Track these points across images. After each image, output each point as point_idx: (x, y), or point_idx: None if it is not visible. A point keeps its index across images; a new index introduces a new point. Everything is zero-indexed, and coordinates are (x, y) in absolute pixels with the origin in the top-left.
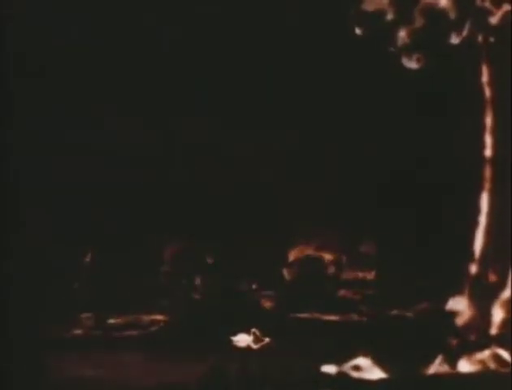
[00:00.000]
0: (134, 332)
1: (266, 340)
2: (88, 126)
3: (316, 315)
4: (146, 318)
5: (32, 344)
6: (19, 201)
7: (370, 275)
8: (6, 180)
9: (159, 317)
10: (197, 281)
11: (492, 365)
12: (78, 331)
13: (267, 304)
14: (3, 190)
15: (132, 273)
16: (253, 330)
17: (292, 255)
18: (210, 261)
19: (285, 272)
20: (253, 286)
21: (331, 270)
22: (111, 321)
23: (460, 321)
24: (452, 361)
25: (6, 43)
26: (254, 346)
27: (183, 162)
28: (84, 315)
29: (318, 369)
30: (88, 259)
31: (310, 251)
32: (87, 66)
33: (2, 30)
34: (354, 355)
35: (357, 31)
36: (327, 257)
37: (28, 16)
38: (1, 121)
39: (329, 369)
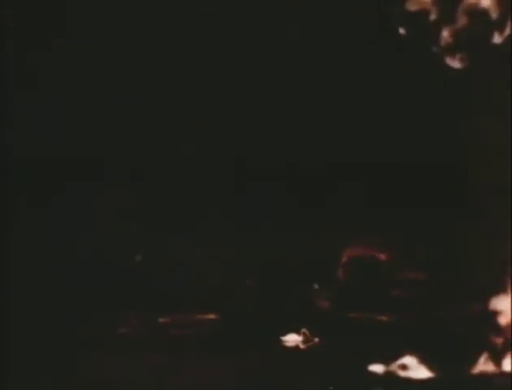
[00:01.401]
0: (185, 331)
1: (316, 340)
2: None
3: (368, 315)
4: (198, 317)
5: (79, 343)
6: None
7: (421, 276)
8: None
9: (211, 316)
10: (250, 280)
11: None
12: (127, 331)
13: (320, 303)
14: None
15: (183, 271)
16: (303, 330)
17: (346, 255)
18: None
19: (338, 272)
20: (307, 286)
21: (384, 270)
22: (161, 320)
23: (504, 320)
24: (496, 360)
25: (6, 44)
26: (303, 346)
27: None
28: (133, 314)
29: (366, 368)
30: (139, 258)
31: (363, 251)
32: (87, 66)
33: (2, 30)
34: (402, 354)
35: (401, 30)
36: (380, 256)
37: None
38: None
39: (377, 368)
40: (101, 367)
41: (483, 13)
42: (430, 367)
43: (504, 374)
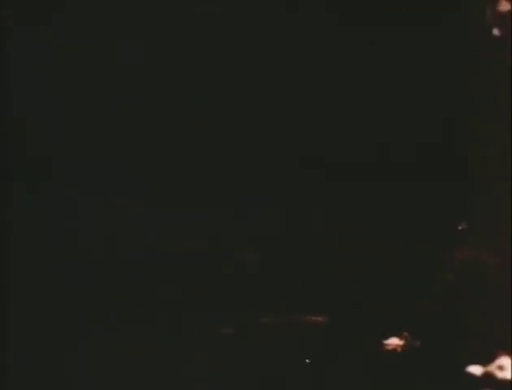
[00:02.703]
0: (287, 333)
1: (417, 343)
2: None
3: (467, 317)
4: (303, 319)
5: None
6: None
7: None
8: None
9: (317, 318)
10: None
11: None
12: (229, 331)
13: (423, 307)
14: None
15: (293, 272)
16: (405, 333)
17: (454, 258)
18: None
19: (446, 275)
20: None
21: (492, 273)
22: (264, 320)
23: None
24: None
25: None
26: (403, 349)
27: None
28: (238, 314)
29: (464, 370)
30: (245, 258)
31: (472, 253)
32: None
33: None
34: (498, 355)
35: (495, 32)
36: (489, 260)
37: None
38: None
39: (475, 369)
40: (205, 367)
41: None
42: None
43: None
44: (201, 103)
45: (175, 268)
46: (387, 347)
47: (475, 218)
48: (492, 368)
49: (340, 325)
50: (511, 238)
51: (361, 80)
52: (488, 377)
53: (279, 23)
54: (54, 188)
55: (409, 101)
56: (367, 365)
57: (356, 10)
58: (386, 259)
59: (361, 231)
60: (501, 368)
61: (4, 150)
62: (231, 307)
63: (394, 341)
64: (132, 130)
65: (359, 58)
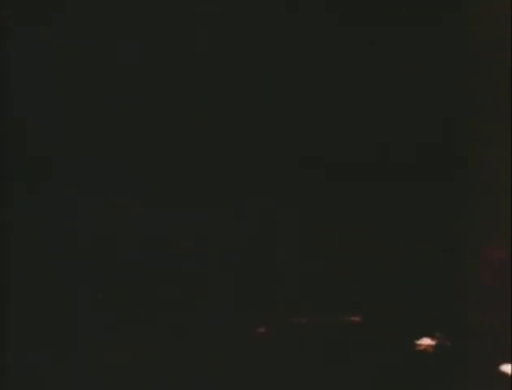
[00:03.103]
0: (320, 332)
1: (448, 343)
2: None
3: (500, 317)
4: (338, 318)
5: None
6: None
7: None
8: None
9: (355, 318)
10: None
11: None
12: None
13: (456, 306)
14: None
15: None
16: (437, 333)
17: (494, 257)
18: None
19: (486, 275)
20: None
21: None
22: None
23: None
24: None
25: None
26: (433, 349)
27: None
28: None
29: (496, 369)
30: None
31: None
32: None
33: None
34: None
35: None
36: None
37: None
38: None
39: (507, 368)
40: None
41: None
42: None
43: None
44: (201, 103)
45: (179, 268)
46: (418, 347)
47: (475, 218)
48: None
49: (371, 325)
50: (511, 237)
51: (361, 80)
52: None
53: (279, 23)
54: (54, 188)
55: (409, 101)
56: (398, 365)
57: (356, 10)
58: (404, 260)
59: (362, 231)
60: None
61: (4, 150)
62: (258, 306)
63: (426, 341)
64: (132, 130)
65: (359, 58)
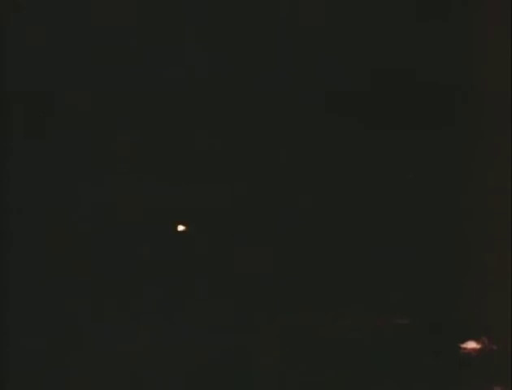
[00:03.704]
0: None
1: (494, 347)
2: None
3: None
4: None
5: None
6: None
7: None
8: None
9: (402, 321)
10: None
11: None
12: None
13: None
14: None
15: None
16: (483, 338)
17: None
18: None
19: None
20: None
21: None
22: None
23: None
24: None
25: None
26: (478, 354)
27: None
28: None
29: None
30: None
31: None
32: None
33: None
34: None
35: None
36: None
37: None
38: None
39: None
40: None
41: None
42: None
43: None
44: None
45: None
46: (463, 350)
47: (475, 218)
48: None
49: (420, 327)
50: (511, 238)
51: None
52: None
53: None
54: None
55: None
56: (442, 368)
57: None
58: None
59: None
60: None
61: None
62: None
63: (471, 345)
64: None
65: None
